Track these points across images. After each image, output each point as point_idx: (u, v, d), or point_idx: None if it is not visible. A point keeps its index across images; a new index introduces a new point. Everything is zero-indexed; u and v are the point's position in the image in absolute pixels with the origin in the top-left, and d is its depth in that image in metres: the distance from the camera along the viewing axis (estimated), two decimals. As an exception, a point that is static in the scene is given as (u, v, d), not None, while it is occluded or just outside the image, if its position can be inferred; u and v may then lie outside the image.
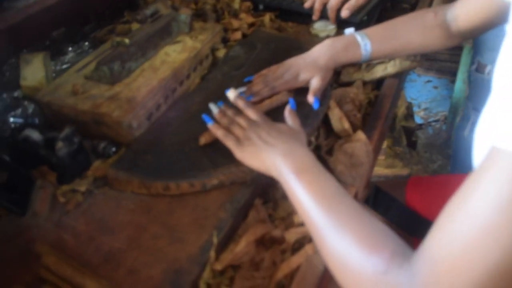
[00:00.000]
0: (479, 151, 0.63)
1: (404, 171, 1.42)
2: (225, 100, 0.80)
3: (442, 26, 0.83)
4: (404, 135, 1.52)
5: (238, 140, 0.67)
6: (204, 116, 0.73)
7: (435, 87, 2.54)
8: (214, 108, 0.75)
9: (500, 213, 0.38)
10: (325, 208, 0.53)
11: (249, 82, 0.84)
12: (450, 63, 2.48)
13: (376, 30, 0.85)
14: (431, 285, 0.41)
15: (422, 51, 0.87)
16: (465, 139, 1.57)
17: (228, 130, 0.69)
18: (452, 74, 2.48)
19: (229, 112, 0.73)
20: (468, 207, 0.41)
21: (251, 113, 0.71)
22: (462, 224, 0.40)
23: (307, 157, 0.60)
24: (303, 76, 0.81)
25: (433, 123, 2.26)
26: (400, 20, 0.86)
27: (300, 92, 0.81)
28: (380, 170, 1.43)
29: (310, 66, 0.81)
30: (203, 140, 0.72)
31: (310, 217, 0.54)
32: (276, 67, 0.84)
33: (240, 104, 0.73)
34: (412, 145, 1.62)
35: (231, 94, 0.76)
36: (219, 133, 0.69)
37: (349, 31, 0.92)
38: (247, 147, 0.65)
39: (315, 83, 0.80)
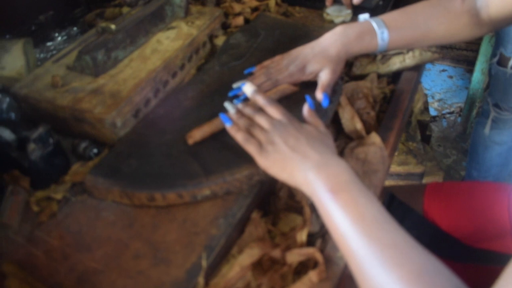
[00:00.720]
0: None
1: (418, 169, 1.33)
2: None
3: (471, 12, 0.72)
4: (418, 130, 1.43)
5: (260, 144, 0.57)
6: (222, 116, 0.62)
7: (450, 77, 2.41)
8: (230, 107, 0.63)
9: None
10: (366, 235, 0.45)
11: (250, 74, 0.75)
12: (467, 51, 2.35)
13: (394, 16, 0.74)
14: None
15: (446, 41, 0.77)
16: (485, 136, 1.48)
17: (249, 132, 0.59)
18: (469, 63, 2.36)
19: (248, 111, 0.61)
20: None
21: (274, 111, 0.59)
22: None
23: (345, 172, 0.51)
24: (310, 68, 0.71)
25: (448, 115, 2.15)
26: (421, 5, 0.75)
27: (306, 85, 0.72)
28: (392, 168, 1.34)
29: (319, 57, 0.71)
30: (191, 140, 0.63)
31: (348, 243, 0.46)
32: (280, 57, 0.74)
33: (260, 100, 0.61)
34: (425, 139, 1.52)
35: (248, 88, 0.65)
36: (239, 136, 0.58)
37: (364, 17, 0.82)
38: (271, 154, 0.55)
39: (324, 76, 0.70)
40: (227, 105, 0.63)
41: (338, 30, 0.73)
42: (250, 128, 0.59)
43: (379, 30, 0.72)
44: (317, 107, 0.67)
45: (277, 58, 0.74)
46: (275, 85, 0.71)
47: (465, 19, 0.73)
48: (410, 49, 0.82)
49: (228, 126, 0.60)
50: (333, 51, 0.71)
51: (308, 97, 0.64)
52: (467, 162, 1.66)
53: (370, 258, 0.44)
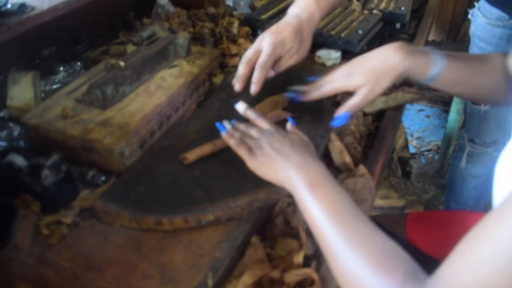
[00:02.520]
0: (501, 188, 0.61)
1: (399, 203, 1.40)
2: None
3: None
4: (399, 166, 1.50)
5: (250, 149, 0.65)
6: (218, 125, 0.71)
7: (428, 116, 2.54)
8: (227, 124, 0.72)
9: None
10: (337, 223, 0.53)
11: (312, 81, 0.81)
12: (443, 92, 2.49)
13: (448, 53, 0.74)
14: None
15: (491, 96, 0.76)
16: (461, 169, 1.56)
17: (241, 141, 0.67)
18: (445, 104, 2.49)
19: (242, 126, 0.70)
20: (491, 241, 0.42)
21: (263, 123, 0.68)
22: (482, 257, 0.42)
23: (321, 171, 0.59)
24: (356, 80, 0.74)
25: (426, 153, 2.26)
26: (470, 56, 0.78)
27: (304, 112, 0.79)
28: (375, 201, 1.40)
29: (371, 69, 0.73)
30: (186, 161, 0.70)
31: (322, 232, 0.53)
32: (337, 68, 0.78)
33: (251, 115, 0.71)
34: (406, 175, 1.60)
35: (240, 106, 0.73)
36: (232, 141, 0.67)
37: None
38: (259, 157, 0.63)
39: (358, 97, 0.74)
40: (224, 123, 0.72)
41: (392, 45, 0.73)
42: (243, 138, 0.67)
43: (436, 56, 0.72)
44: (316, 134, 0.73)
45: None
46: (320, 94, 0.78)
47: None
48: (455, 92, 0.84)
49: (223, 133, 0.69)
50: (393, 61, 0.72)
51: (289, 118, 0.73)
52: (446, 195, 1.74)
53: (341, 242, 0.51)
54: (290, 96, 0.81)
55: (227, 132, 0.69)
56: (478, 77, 0.73)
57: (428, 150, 2.27)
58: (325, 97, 0.79)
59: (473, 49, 1.42)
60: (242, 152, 0.65)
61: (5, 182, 0.67)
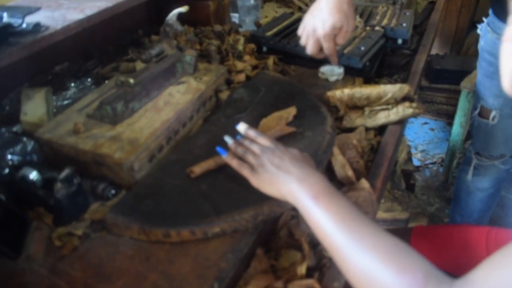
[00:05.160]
0: None
1: (403, 215, 1.41)
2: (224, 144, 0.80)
3: None
4: (403, 179, 1.52)
5: (252, 168, 0.67)
6: (219, 149, 0.73)
7: (432, 129, 2.56)
8: (229, 139, 0.75)
9: None
10: (347, 229, 0.54)
11: None
12: (447, 106, 2.51)
13: None
14: None
15: None
16: (468, 182, 1.57)
17: (242, 159, 0.70)
18: (449, 117, 2.51)
19: (244, 142, 0.73)
20: None
21: (263, 141, 0.71)
22: None
23: (323, 182, 0.61)
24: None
25: (430, 165, 2.27)
26: None
27: (307, 127, 0.81)
28: (379, 214, 1.42)
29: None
30: (192, 174, 0.73)
31: (333, 240, 0.55)
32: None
33: (251, 134, 0.74)
34: (410, 188, 1.61)
35: (241, 127, 0.76)
36: (233, 163, 0.70)
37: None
38: (261, 174, 0.65)
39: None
40: (226, 138, 0.75)
41: None
42: (244, 154, 0.70)
43: None
44: (312, 156, 0.75)
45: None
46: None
47: None
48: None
49: (224, 156, 0.72)
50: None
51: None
52: (451, 207, 1.75)
53: (353, 248, 0.53)
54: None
55: (228, 154, 0.71)
56: None
57: (433, 163, 2.29)
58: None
59: (482, 64, 1.43)
60: (244, 172, 0.68)
61: (19, 195, 0.70)
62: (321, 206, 0.57)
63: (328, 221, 0.56)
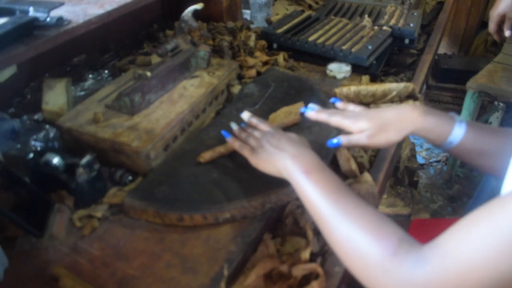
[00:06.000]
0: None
1: (405, 211, 1.45)
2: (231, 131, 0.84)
3: None
4: (406, 175, 1.56)
5: (252, 149, 0.73)
6: (223, 132, 0.80)
7: (437, 128, 2.58)
8: (234, 125, 0.82)
9: None
10: (333, 201, 0.59)
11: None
12: (453, 105, 2.53)
13: (470, 121, 0.74)
14: (438, 275, 0.46)
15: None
16: (493, 186, 1.57)
17: (244, 142, 0.76)
18: (454, 116, 2.53)
19: (247, 129, 0.79)
20: (495, 221, 0.45)
21: (264, 127, 0.77)
22: (484, 234, 0.45)
23: (315, 159, 0.66)
24: (361, 125, 0.74)
25: (435, 164, 2.30)
26: (492, 127, 0.76)
27: (314, 123, 0.85)
28: (381, 209, 1.45)
29: (380, 118, 0.73)
30: (202, 159, 0.78)
31: (319, 210, 0.60)
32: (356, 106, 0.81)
33: (254, 121, 0.80)
34: (413, 184, 1.65)
35: (245, 115, 0.82)
36: (236, 144, 0.76)
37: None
38: (260, 154, 0.71)
39: (356, 137, 0.74)
40: (232, 124, 0.82)
41: (418, 104, 0.76)
42: (247, 138, 0.76)
43: (458, 118, 0.73)
44: (319, 150, 0.80)
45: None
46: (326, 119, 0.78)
47: None
48: (473, 161, 0.75)
49: (228, 138, 0.78)
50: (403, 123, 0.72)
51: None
52: (468, 205, 1.73)
53: (337, 218, 0.57)
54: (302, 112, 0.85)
55: (231, 137, 0.78)
56: (500, 149, 0.70)
57: (437, 161, 2.32)
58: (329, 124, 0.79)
59: None
60: (245, 152, 0.74)
61: (43, 179, 0.75)
62: (312, 180, 0.62)
63: (316, 194, 0.61)
